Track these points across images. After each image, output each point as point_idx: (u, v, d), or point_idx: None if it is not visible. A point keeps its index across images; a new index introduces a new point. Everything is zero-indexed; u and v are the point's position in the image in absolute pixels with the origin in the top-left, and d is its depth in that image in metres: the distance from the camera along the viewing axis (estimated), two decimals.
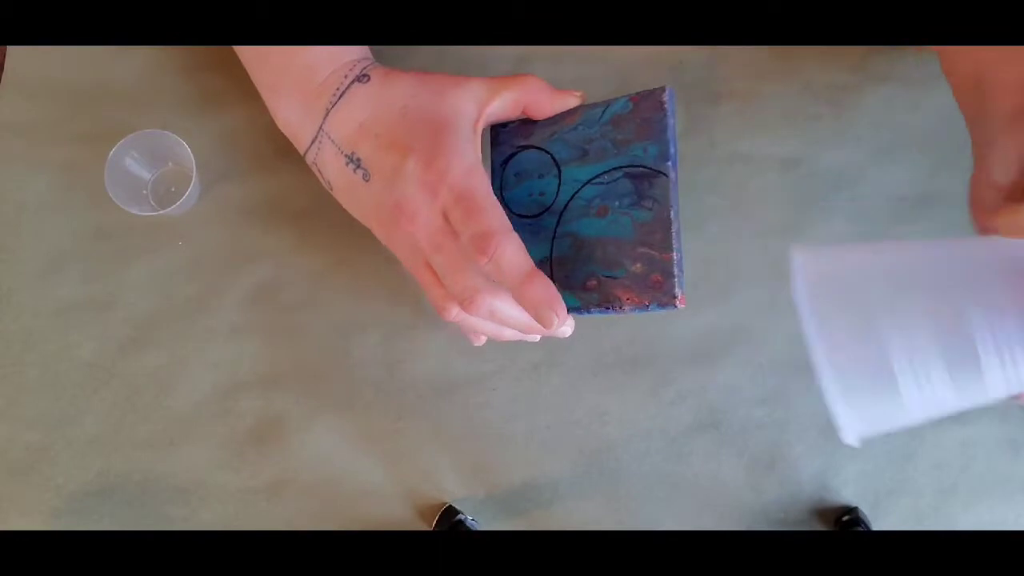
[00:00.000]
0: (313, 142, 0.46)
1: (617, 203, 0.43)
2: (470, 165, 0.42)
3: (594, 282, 0.43)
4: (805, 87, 0.55)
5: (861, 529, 0.48)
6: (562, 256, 0.45)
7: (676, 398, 0.51)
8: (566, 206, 0.45)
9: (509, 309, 0.43)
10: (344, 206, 0.48)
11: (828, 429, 0.51)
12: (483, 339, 0.47)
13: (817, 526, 0.50)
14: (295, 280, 0.53)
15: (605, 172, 0.44)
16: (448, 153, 0.42)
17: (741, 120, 0.54)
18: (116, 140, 0.49)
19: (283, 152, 0.52)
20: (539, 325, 0.43)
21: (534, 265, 0.41)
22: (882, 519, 0.50)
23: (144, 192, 0.53)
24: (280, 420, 0.51)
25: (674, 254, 0.42)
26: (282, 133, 0.51)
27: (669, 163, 0.42)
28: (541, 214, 0.45)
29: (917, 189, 0.53)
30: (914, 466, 0.50)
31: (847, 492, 0.50)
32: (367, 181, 0.45)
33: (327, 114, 0.45)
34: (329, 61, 0.46)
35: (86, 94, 0.54)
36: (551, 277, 0.45)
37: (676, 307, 0.42)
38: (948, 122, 0.54)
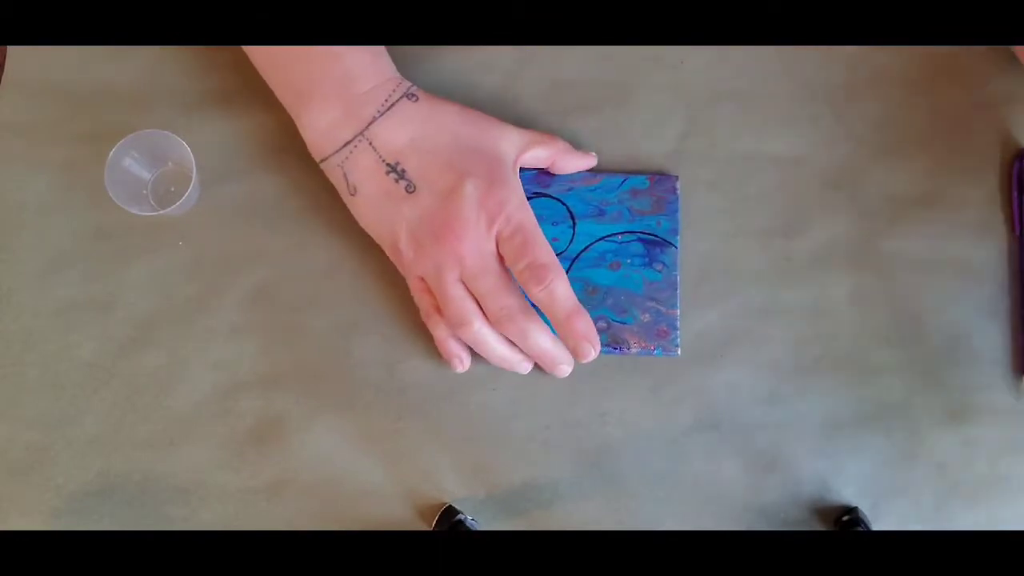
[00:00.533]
0: (346, 146, 0.47)
1: (629, 261, 0.51)
2: (523, 200, 0.48)
3: (603, 324, 0.50)
4: (805, 87, 0.55)
5: (861, 529, 0.48)
6: None
7: (676, 398, 0.51)
8: (578, 255, 0.51)
9: (537, 334, 0.47)
10: (358, 211, 0.49)
11: (828, 429, 0.51)
12: (467, 364, 0.50)
13: (817, 526, 0.50)
14: (295, 280, 0.53)
15: (619, 233, 0.52)
16: (506, 185, 0.47)
17: (741, 120, 0.54)
18: (116, 140, 0.49)
19: (283, 152, 0.52)
20: (551, 356, 0.48)
21: (578, 301, 0.46)
22: (882, 519, 0.50)
23: (144, 192, 0.53)
24: (280, 420, 0.51)
25: (677, 311, 0.51)
26: (282, 134, 0.51)
27: (678, 237, 0.52)
28: None
29: (917, 189, 0.53)
30: (914, 466, 0.50)
31: (847, 492, 0.50)
32: (411, 192, 0.47)
33: (372, 121, 0.47)
34: (373, 73, 0.48)
35: (86, 94, 0.54)
36: None
37: (677, 355, 0.51)
38: (948, 122, 0.54)
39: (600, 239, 0.52)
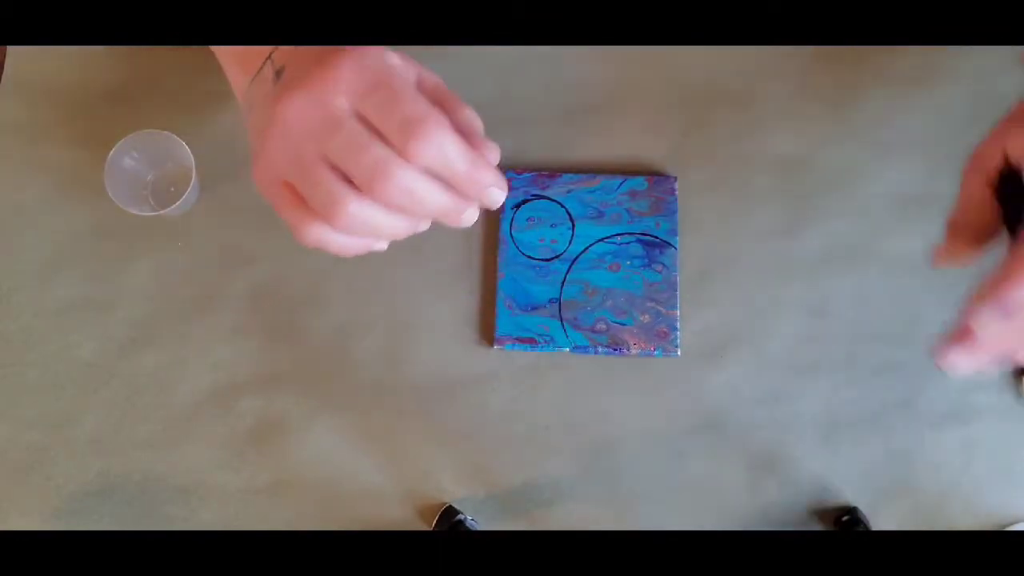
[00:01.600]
0: (258, 73, 0.41)
1: (629, 263, 0.52)
2: (385, 62, 0.38)
3: (603, 326, 0.51)
4: (805, 87, 0.55)
5: (861, 529, 0.48)
6: (571, 300, 0.52)
7: (676, 398, 0.51)
8: (578, 256, 0.52)
9: (423, 184, 0.37)
10: (251, 135, 0.41)
11: (828, 429, 0.51)
12: (384, 242, 0.40)
13: (817, 526, 0.50)
14: (295, 280, 0.53)
15: (619, 235, 0.52)
16: (368, 52, 0.38)
17: (741, 120, 0.54)
18: (116, 140, 0.49)
19: None
20: (447, 209, 0.38)
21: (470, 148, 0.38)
22: (882, 519, 0.50)
23: (144, 192, 0.53)
24: (280, 420, 0.51)
25: (677, 312, 0.51)
26: None
27: (677, 237, 0.52)
28: (552, 259, 0.52)
29: (917, 189, 0.53)
30: (914, 466, 0.50)
31: (847, 492, 0.50)
32: (276, 81, 0.39)
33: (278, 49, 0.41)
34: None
35: (86, 94, 0.54)
36: (559, 318, 0.51)
37: (677, 355, 0.51)
38: (948, 122, 0.54)
39: (599, 240, 0.52)
